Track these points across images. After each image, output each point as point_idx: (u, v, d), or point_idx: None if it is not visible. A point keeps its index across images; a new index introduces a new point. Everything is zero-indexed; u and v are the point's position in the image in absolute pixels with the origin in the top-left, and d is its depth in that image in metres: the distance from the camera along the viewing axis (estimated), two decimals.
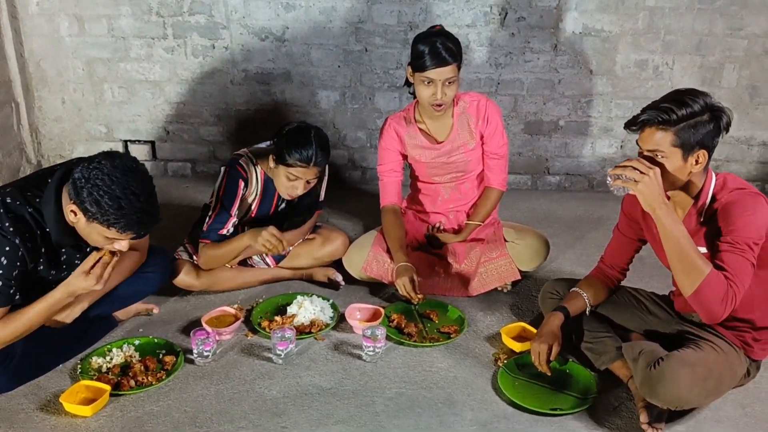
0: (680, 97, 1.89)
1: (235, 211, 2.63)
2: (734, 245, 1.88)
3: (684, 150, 1.88)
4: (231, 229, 2.64)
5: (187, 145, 4.11)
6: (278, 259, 2.89)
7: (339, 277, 2.85)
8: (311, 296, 2.71)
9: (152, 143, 4.12)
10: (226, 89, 3.95)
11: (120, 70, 3.93)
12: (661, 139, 1.88)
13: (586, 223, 3.62)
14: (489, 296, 2.81)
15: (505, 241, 2.84)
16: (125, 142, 4.12)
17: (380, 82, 3.88)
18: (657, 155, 1.90)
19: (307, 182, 2.58)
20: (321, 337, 2.50)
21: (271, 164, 2.58)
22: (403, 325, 2.54)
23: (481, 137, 2.86)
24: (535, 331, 2.44)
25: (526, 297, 2.83)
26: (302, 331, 2.50)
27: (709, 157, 1.92)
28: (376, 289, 2.87)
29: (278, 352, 2.34)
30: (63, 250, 2.15)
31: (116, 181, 1.93)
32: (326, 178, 2.84)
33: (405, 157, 2.94)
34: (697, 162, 1.91)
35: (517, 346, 2.41)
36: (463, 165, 2.90)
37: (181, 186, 3.99)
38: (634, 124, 1.93)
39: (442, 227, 3.03)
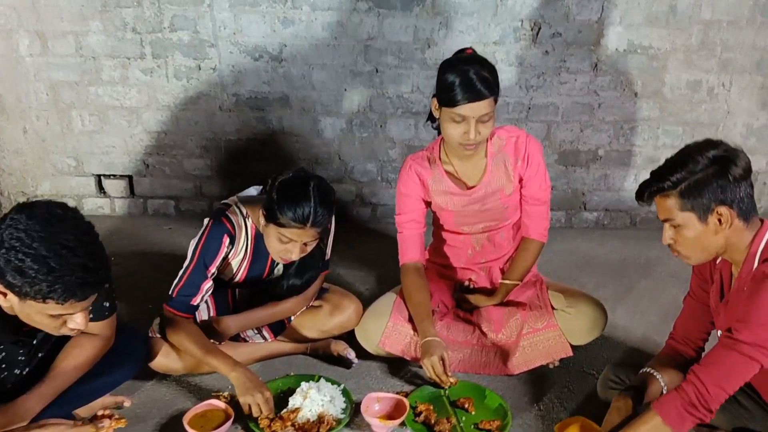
0: (679, 157, 1.77)
1: (212, 272, 2.22)
2: (737, 343, 1.69)
3: (697, 212, 1.73)
4: (205, 296, 2.23)
5: (169, 181, 3.70)
6: (277, 330, 2.47)
7: (351, 354, 2.44)
8: (318, 380, 2.29)
9: (129, 178, 3.71)
10: (213, 116, 3.55)
11: (90, 95, 3.53)
12: (669, 207, 1.76)
13: (634, 269, 3.22)
14: (533, 374, 2.40)
15: (553, 308, 2.42)
16: (98, 177, 3.72)
17: (393, 107, 3.49)
18: (673, 224, 1.78)
19: (304, 245, 2.17)
20: None
21: (262, 221, 2.17)
22: (432, 421, 2.13)
23: (520, 180, 2.46)
24: (598, 427, 2.03)
25: (578, 374, 2.42)
26: (308, 431, 2.09)
27: (736, 210, 1.72)
28: (396, 366, 2.45)
29: None
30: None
31: (38, 238, 1.55)
32: (332, 232, 2.43)
33: (428, 204, 2.54)
34: (720, 221, 1.73)
35: None
36: (498, 213, 2.50)
37: (163, 228, 3.58)
38: (641, 198, 1.83)
39: (471, 285, 2.63)
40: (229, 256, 2.28)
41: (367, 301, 2.60)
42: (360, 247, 3.39)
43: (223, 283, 2.37)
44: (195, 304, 2.23)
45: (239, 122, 3.56)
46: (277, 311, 2.40)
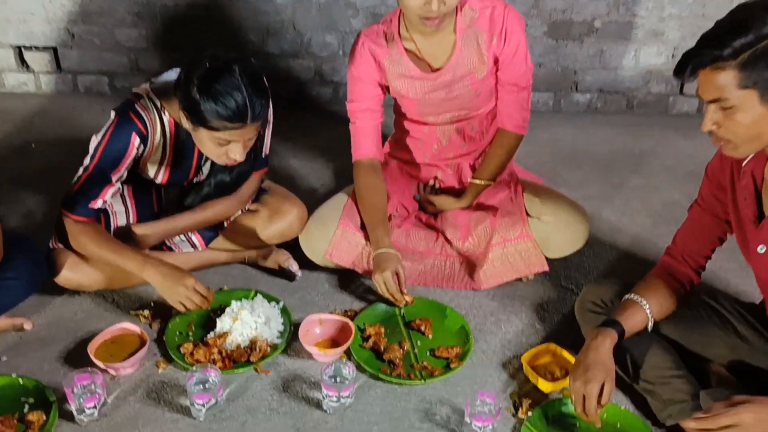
0: (739, 17, 1.33)
1: (118, 177, 1.87)
2: None
3: (760, 90, 1.32)
4: (107, 200, 1.88)
5: (100, 53, 3.23)
6: (209, 237, 2.15)
7: (294, 266, 2.13)
8: (254, 297, 2.00)
9: (54, 50, 3.24)
10: None
11: None
12: (722, 83, 1.33)
13: (625, 163, 2.86)
14: (502, 290, 2.11)
15: (528, 215, 2.10)
16: (18, 48, 3.23)
17: None
18: (723, 106, 1.36)
19: (248, 140, 1.81)
20: (264, 370, 1.82)
21: (185, 124, 1.79)
22: (382, 347, 1.86)
23: (496, 61, 2.06)
24: (572, 359, 1.77)
25: (555, 289, 2.13)
26: (237, 360, 1.82)
27: None
28: (346, 279, 2.16)
29: (198, 407, 1.66)
30: None
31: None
32: (271, 123, 2.05)
33: (386, 89, 2.14)
34: None
35: (546, 386, 1.74)
36: (468, 101, 2.12)
37: (97, 108, 3.14)
38: (681, 72, 1.37)
39: (438, 186, 2.29)
40: (143, 157, 1.91)
41: (321, 199, 2.27)
42: (317, 134, 3.00)
43: (145, 181, 2.01)
44: (95, 207, 1.88)
45: None
46: (206, 216, 2.07)
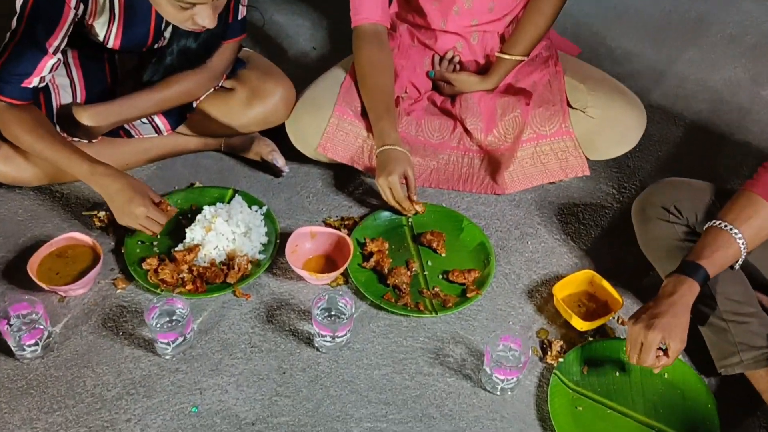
0: None
1: (55, 46, 1.45)
2: None
3: None
4: (45, 75, 1.48)
5: None
6: (175, 120, 1.76)
7: (279, 161, 1.77)
8: (231, 199, 1.67)
9: None
10: None
11: None
12: None
13: (679, 30, 2.40)
14: (530, 196, 1.78)
15: (570, 106, 1.70)
16: None
17: None
18: None
19: (216, 4, 1.39)
20: (244, 294, 1.52)
21: None
22: (385, 268, 1.55)
23: None
24: (614, 293, 1.48)
25: (594, 196, 1.80)
26: (211, 280, 1.52)
27: None
28: (343, 175, 1.81)
29: (162, 345, 1.38)
30: None
31: None
32: None
33: None
34: None
35: (581, 324, 1.45)
36: None
37: None
38: None
39: (458, 60, 1.86)
40: (86, 18, 1.48)
41: (315, 67, 1.86)
42: None
43: (95, 45, 1.60)
44: (30, 86, 1.48)
45: None
46: (170, 94, 1.66)
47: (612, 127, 1.68)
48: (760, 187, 1.29)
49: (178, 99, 1.68)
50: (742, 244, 1.27)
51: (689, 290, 1.25)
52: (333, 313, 1.42)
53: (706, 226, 1.31)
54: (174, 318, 1.39)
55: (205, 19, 1.39)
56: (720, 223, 1.28)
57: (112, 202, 1.50)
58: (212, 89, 1.72)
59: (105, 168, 1.50)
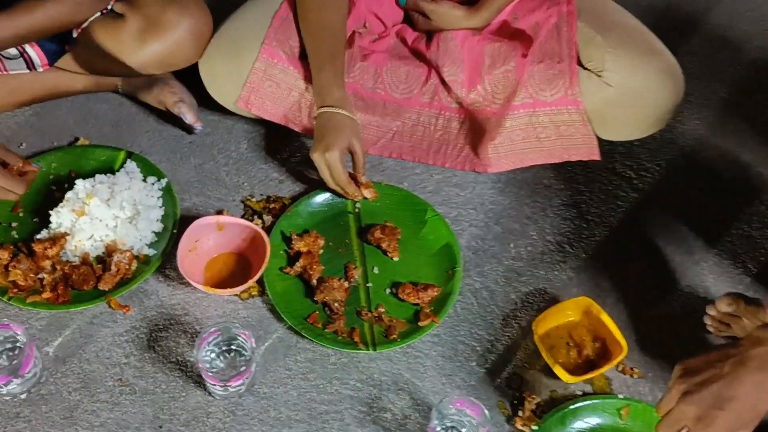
0: None
1: None
2: None
3: None
4: None
5: None
6: (54, 52, 1.33)
7: (188, 115, 1.34)
8: (122, 165, 1.28)
9: None
10: None
11: None
12: None
13: None
14: (519, 177, 1.36)
15: (580, 65, 1.24)
16: None
17: None
18: None
19: None
20: (122, 305, 1.14)
21: None
22: (314, 278, 1.17)
23: None
24: (616, 331, 1.10)
25: (600, 182, 1.37)
26: (78, 286, 1.14)
27: None
28: (276, 137, 1.39)
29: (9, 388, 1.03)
30: None
31: None
32: None
33: None
34: None
35: (568, 377, 1.08)
36: None
37: None
38: None
39: None
40: None
41: None
42: None
43: None
44: None
45: None
46: (35, 18, 1.20)
47: (634, 101, 1.22)
48: None
49: (49, 26, 1.23)
50: None
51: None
52: (233, 346, 1.05)
53: None
54: (13, 350, 1.02)
55: None
56: None
57: None
58: (98, 13, 1.27)
59: None
